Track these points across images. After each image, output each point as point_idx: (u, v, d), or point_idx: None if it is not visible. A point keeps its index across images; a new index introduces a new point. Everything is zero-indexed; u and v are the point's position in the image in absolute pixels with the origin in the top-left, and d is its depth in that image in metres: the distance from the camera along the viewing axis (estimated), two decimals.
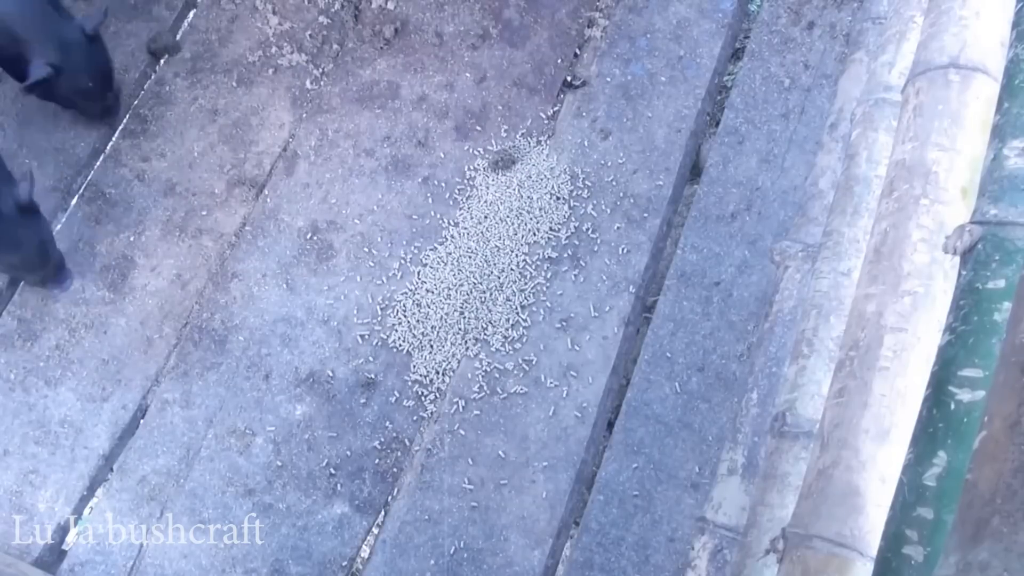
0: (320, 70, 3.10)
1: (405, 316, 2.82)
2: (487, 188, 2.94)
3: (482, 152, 3.00)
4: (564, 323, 2.81)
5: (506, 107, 3.06)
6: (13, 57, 2.57)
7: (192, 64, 3.10)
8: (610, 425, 2.86)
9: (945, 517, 0.87)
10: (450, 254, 2.87)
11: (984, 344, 0.91)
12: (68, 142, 2.97)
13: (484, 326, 2.80)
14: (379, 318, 2.82)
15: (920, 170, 1.25)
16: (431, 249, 2.88)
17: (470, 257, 2.86)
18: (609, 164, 2.98)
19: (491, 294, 2.82)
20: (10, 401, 2.74)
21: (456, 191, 2.95)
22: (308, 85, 3.08)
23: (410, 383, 2.77)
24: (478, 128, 3.02)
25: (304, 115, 3.04)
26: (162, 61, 3.12)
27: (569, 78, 3.11)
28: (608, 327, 2.81)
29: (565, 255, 2.88)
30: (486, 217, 2.90)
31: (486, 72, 3.10)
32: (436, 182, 2.96)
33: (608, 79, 3.09)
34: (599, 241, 2.89)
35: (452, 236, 2.89)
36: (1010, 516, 0.63)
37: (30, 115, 3.00)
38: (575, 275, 2.86)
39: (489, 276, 2.84)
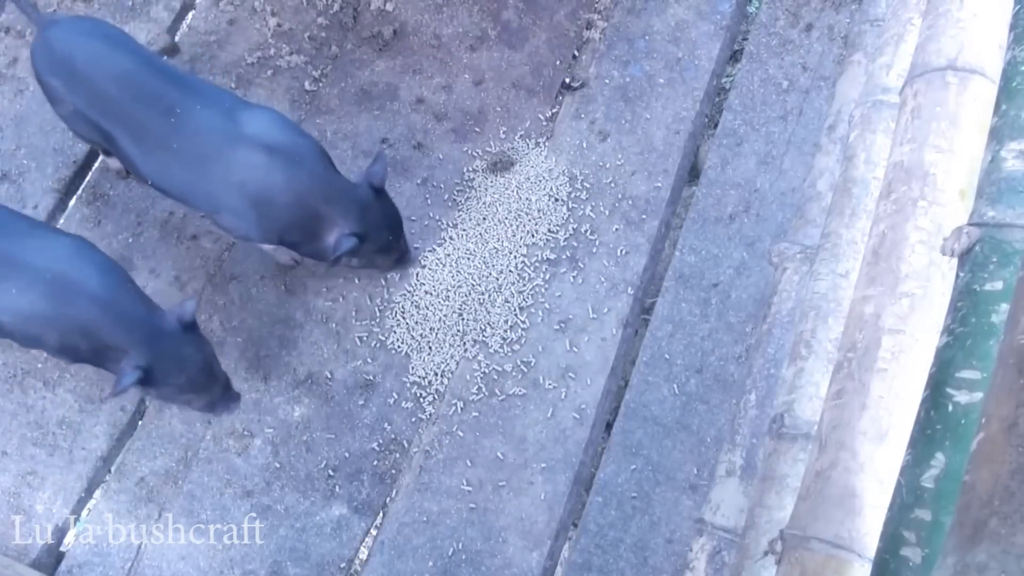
0: (319, 71, 3.10)
1: (404, 318, 2.82)
2: (485, 190, 2.94)
3: (480, 154, 3.00)
4: (562, 325, 2.81)
5: (504, 109, 3.05)
6: (310, 231, 2.45)
7: (191, 66, 3.10)
8: (608, 427, 2.86)
9: (943, 519, 0.88)
10: (448, 255, 2.87)
11: (982, 346, 0.91)
12: (67, 143, 2.97)
13: (483, 328, 2.80)
14: (377, 319, 2.82)
15: (918, 172, 1.25)
16: (429, 251, 2.88)
17: (468, 259, 2.86)
18: (607, 166, 2.98)
19: (489, 296, 2.82)
20: (8, 402, 2.74)
21: (455, 192, 2.95)
22: (307, 86, 3.08)
23: (408, 384, 2.76)
24: (476, 130, 3.02)
25: (303, 116, 3.04)
26: None
27: (568, 80, 3.10)
28: (606, 329, 2.81)
29: (563, 257, 2.88)
30: (484, 219, 2.90)
31: (484, 74, 3.10)
32: (434, 184, 2.96)
33: (607, 81, 3.09)
34: (597, 243, 2.89)
35: (450, 238, 2.89)
36: (1008, 518, 0.63)
37: (28, 115, 3.00)
38: (573, 277, 2.86)
39: (487, 278, 2.84)
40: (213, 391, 2.48)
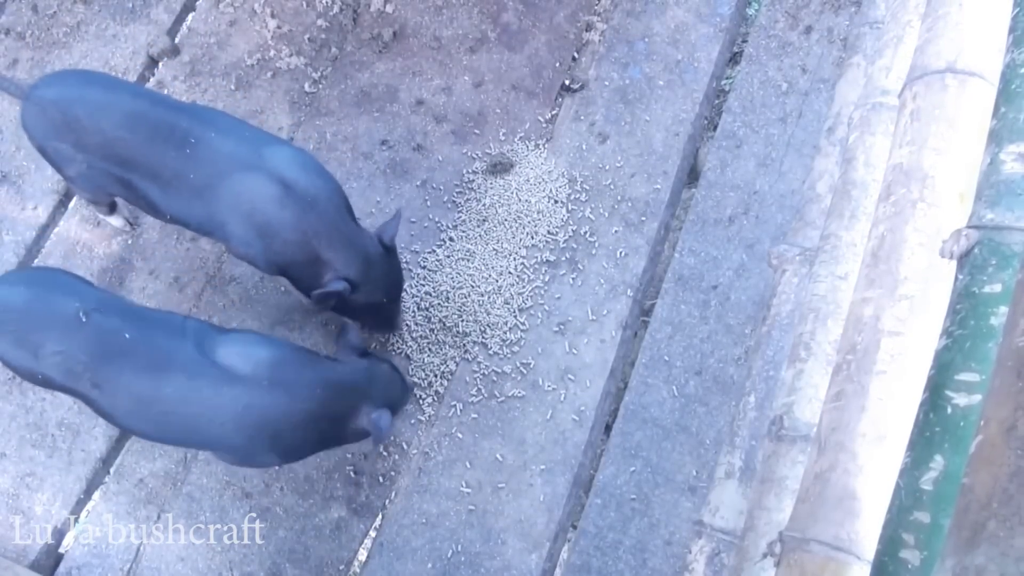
0: (319, 73, 3.09)
1: (403, 319, 2.81)
2: (485, 191, 2.93)
3: (480, 155, 2.99)
4: (562, 326, 2.80)
5: (504, 111, 3.05)
6: (308, 271, 2.44)
7: (191, 67, 3.09)
8: (608, 428, 2.85)
9: (942, 521, 0.88)
10: (448, 257, 2.87)
11: (981, 348, 0.91)
12: None
13: (482, 329, 2.79)
14: None
15: (917, 174, 1.25)
16: (429, 252, 2.88)
17: (468, 260, 2.86)
18: (607, 168, 2.97)
19: (489, 297, 2.82)
20: (7, 404, 2.73)
21: (454, 194, 2.94)
22: (307, 88, 3.08)
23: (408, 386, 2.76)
24: (476, 132, 3.02)
25: (303, 118, 3.03)
26: (160, 64, 3.12)
27: (567, 82, 3.10)
28: (606, 330, 2.80)
29: (563, 258, 2.87)
30: (484, 220, 2.90)
31: (484, 76, 3.09)
32: (434, 185, 2.96)
33: (606, 83, 3.08)
34: (597, 244, 2.88)
35: (450, 239, 2.89)
36: (1006, 520, 0.63)
37: None
38: (573, 278, 2.85)
39: (487, 279, 2.83)
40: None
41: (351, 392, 2.31)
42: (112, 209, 2.75)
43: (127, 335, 2.15)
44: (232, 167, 2.32)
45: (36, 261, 2.89)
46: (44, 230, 2.92)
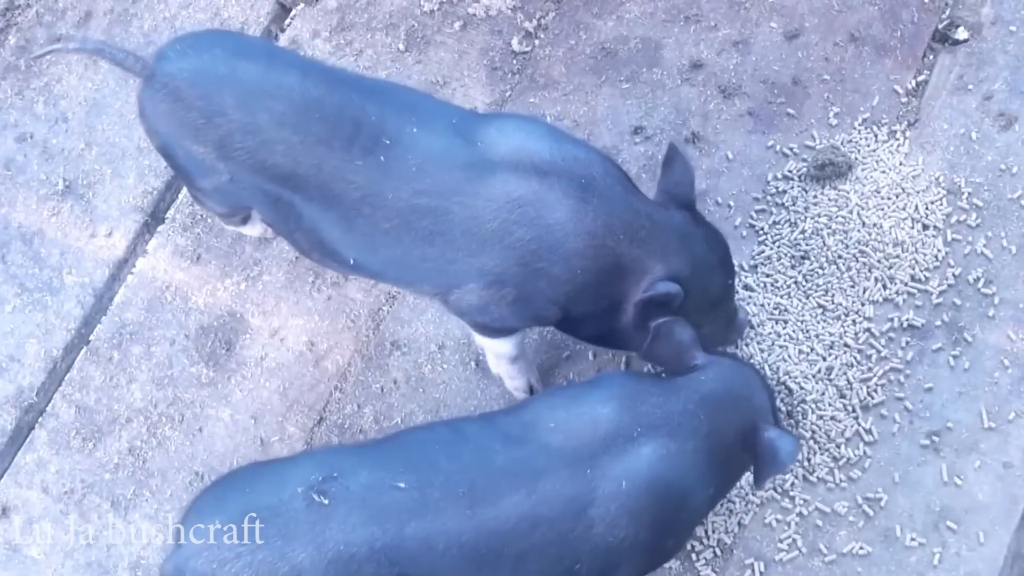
0: (534, 21, 2.55)
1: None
2: (805, 210, 2.40)
3: (795, 151, 2.38)
4: (935, 438, 2.18)
5: (835, 78, 2.42)
6: (607, 291, 2.18)
7: (339, 17, 2.61)
8: None
9: None
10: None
11: None
12: None
13: (800, 438, 2.35)
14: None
15: None
16: None
17: (778, 323, 2.38)
18: (1015, 170, 2.29)
19: (812, 384, 2.29)
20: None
21: (752, 215, 2.37)
22: (515, 46, 2.56)
23: None
24: (788, 112, 2.42)
25: (509, 92, 2.51)
26: (294, 14, 2.65)
27: (943, 27, 2.44)
28: (1013, 449, 2.18)
29: (938, 322, 2.26)
30: (804, 258, 2.40)
31: (802, 21, 2.47)
32: (720, 199, 2.37)
33: (1012, 27, 2.40)
34: (997, 301, 2.22)
35: (746, 288, 2.48)
36: None
37: None
38: (954, 357, 2.24)
39: (808, 355, 2.31)
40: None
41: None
42: (246, 219, 2.34)
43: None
44: (449, 178, 1.89)
45: (109, 311, 2.46)
46: (120, 267, 2.48)
